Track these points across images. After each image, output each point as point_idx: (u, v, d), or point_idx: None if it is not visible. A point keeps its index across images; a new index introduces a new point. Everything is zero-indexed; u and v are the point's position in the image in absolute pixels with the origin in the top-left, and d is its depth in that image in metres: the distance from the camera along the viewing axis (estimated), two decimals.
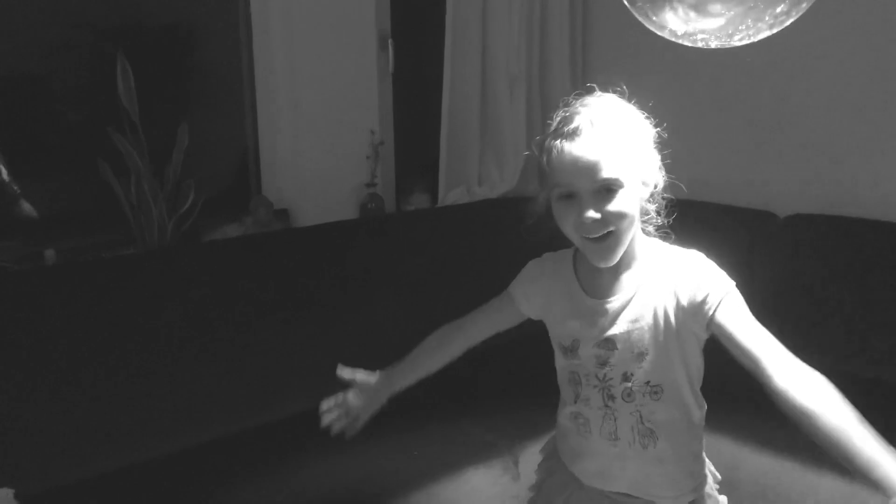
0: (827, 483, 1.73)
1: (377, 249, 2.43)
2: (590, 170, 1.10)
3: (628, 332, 1.19)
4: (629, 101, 1.20)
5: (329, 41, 2.72)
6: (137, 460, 1.78)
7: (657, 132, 1.21)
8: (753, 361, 1.10)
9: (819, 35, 2.46)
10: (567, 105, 1.17)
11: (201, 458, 1.82)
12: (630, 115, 1.17)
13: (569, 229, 1.15)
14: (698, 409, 1.29)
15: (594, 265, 1.19)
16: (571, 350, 1.23)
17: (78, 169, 2.53)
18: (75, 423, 1.79)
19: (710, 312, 1.14)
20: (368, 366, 2.16)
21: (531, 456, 1.75)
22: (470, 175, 2.96)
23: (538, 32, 2.95)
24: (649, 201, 1.20)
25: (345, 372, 1.38)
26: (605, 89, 1.20)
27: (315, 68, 2.70)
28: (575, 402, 1.25)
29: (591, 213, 1.11)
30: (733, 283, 1.17)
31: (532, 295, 1.28)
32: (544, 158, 1.15)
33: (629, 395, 1.21)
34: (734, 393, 2.10)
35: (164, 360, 1.94)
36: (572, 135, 1.11)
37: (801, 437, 1.83)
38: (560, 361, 1.27)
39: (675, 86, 2.84)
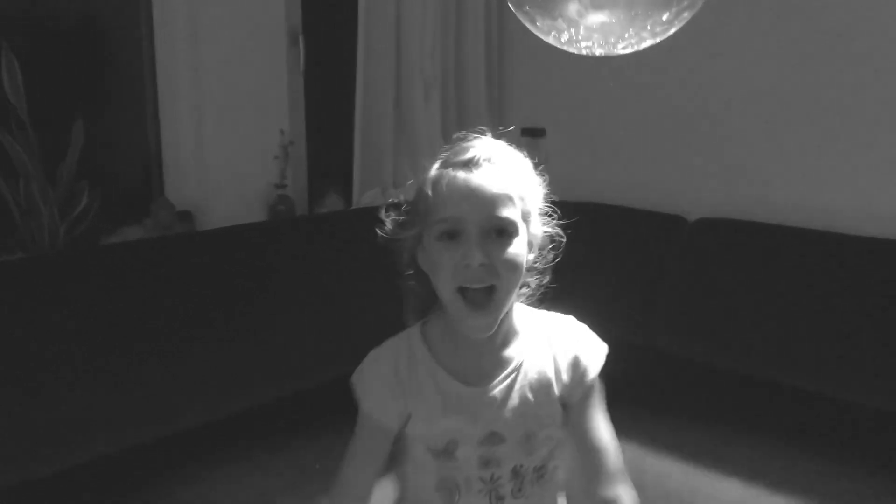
0: (730, 487, 1.75)
1: (291, 252, 2.35)
2: (485, 204, 0.95)
3: (516, 419, 1.02)
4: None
5: (236, 36, 2.62)
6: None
7: (547, 201, 1.07)
8: (589, 460, 1.04)
9: (726, 40, 2.50)
10: (461, 139, 1.03)
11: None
12: (528, 168, 1.05)
13: (444, 278, 0.96)
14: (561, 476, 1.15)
15: (462, 340, 1.01)
16: (446, 452, 1.02)
17: None
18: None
19: (584, 391, 1.06)
20: (280, 369, 2.12)
21: None
22: (385, 177, 2.90)
23: (453, 33, 2.92)
24: (530, 269, 1.05)
25: None
26: (497, 137, 1.06)
27: (221, 65, 2.60)
28: None
29: (479, 256, 0.94)
30: (604, 356, 1.08)
31: (389, 402, 1.03)
32: (429, 190, 0.98)
33: (520, 490, 1.05)
34: (640, 397, 2.13)
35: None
36: (470, 165, 0.97)
37: (704, 440, 1.87)
38: (427, 467, 1.04)
39: (588, 88, 2.85)
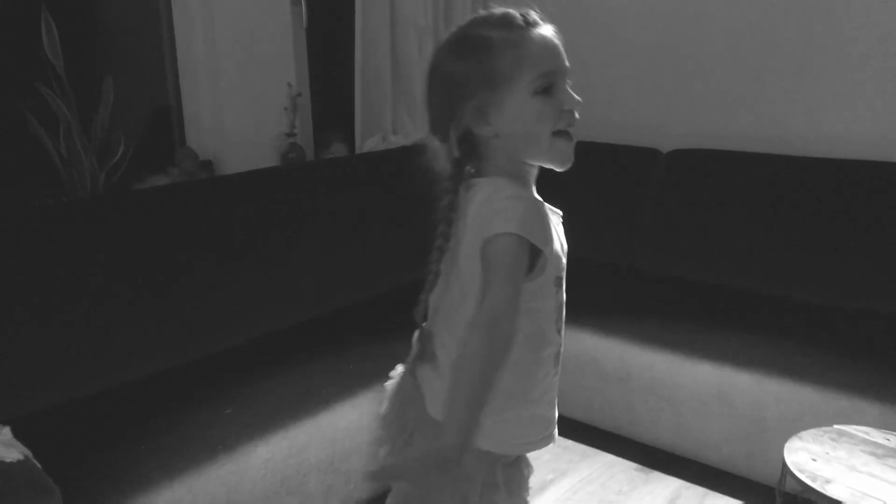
0: (703, 369, 2.05)
1: (302, 194, 2.57)
2: (565, 57, 1.08)
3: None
4: None
5: None
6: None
7: None
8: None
9: None
10: (487, 12, 1.11)
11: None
12: None
13: (546, 125, 1.06)
14: None
15: (528, 186, 1.12)
16: (559, 279, 1.12)
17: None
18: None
19: None
20: (287, 307, 2.33)
21: None
22: (384, 124, 3.13)
23: None
24: None
25: None
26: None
27: (232, 24, 2.81)
28: (559, 332, 1.16)
29: (577, 97, 1.07)
30: None
31: (549, 239, 1.08)
32: (508, 55, 1.04)
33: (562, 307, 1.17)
34: (626, 307, 2.41)
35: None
36: (537, 24, 1.08)
37: (681, 335, 2.16)
38: (550, 300, 1.12)
39: (565, 30, 3.07)
